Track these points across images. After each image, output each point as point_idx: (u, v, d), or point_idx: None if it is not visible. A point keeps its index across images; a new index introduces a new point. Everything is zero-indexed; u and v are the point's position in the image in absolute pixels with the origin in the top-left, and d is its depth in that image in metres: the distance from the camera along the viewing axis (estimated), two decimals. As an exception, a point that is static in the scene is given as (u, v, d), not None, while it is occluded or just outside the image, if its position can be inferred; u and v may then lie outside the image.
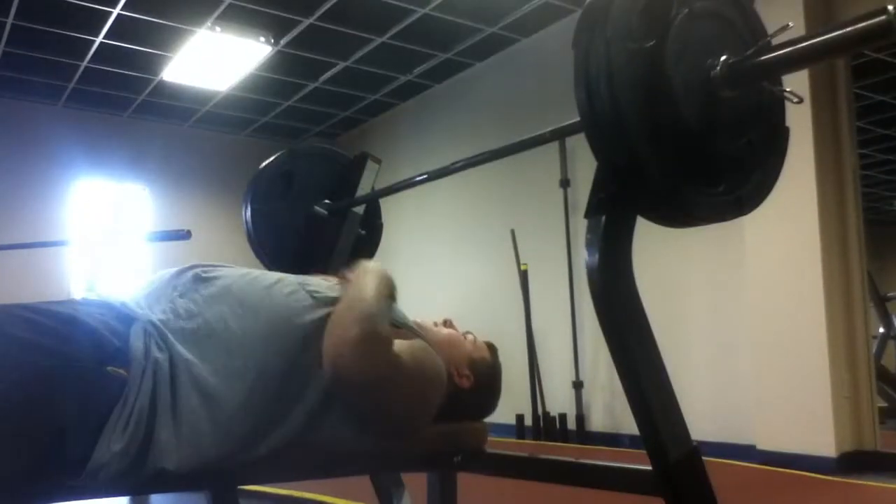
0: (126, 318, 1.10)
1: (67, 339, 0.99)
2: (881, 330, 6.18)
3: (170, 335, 1.09)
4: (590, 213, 1.04)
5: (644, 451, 1.04)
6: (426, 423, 1.25)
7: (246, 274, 1.23)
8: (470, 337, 1.43)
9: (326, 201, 2.03)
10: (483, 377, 1.38)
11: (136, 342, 1.05)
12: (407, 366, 1.16)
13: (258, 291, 1.19)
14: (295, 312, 1.17)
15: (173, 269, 1.23)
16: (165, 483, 1.05)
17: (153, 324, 1.09)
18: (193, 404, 1.06)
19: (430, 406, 1.24)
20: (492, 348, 1.46)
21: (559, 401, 5.18)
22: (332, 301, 1.20)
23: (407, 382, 1.17)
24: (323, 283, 1.26)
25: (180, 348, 1.08)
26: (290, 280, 1.24)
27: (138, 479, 1.02)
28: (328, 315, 1.17)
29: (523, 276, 5.25)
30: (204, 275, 1.19)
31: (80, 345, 1.00)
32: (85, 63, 5.85)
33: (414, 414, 1.21)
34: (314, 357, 1.14)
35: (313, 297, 1.20)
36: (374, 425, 1.18)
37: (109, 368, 1.00)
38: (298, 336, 1.15)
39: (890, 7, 0.83)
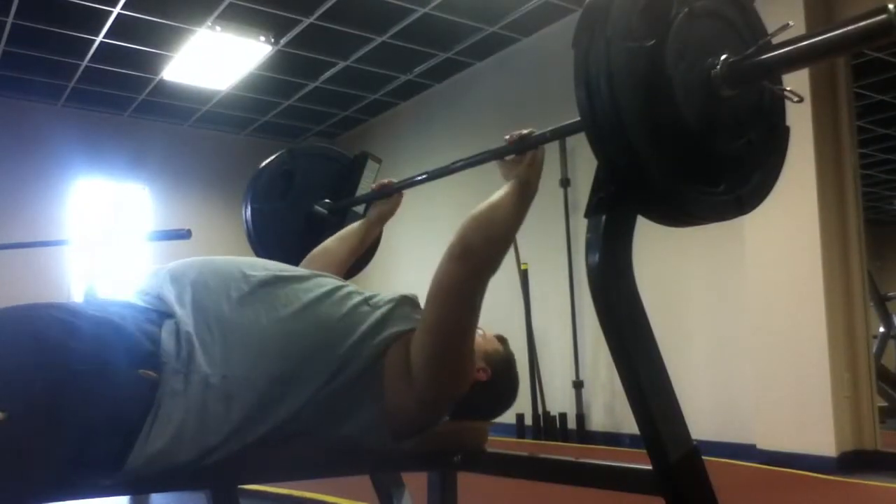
0: (158, 316, 1.09)
1: (100, 342, 1.00)
2: (881, 329, 6.18)
3: (207, 335, 1.08)
4: (590, 212, 1.04)
5: (644, 451, 1.04)
6: (451, 393, 1.22)
7: (306, 278, 1.24)
8: (479, 331, 1.40)
9: (326, 201, 2.03)
10: (499, 369, 1.36)
11: (169, 344, 1.05)
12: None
13: (318, 299, 1.20)
14: (350, 323, 1.18)
15: (213, 261, 1.21)
16: (167, 482, 1.05)
17: (188, 324, 1.08)
18: (228, 409, 1.06)
19: (464, 366, 1.23)
20: (503, 340, 1.45)
21: (559, 400, 5.18)
22: (388, 301, 1.24)
23: (467, 322, 1.19)
24: (382, 295, 1.29)
25: (217, 350, 1.08)
26: (349, 289, 1.26)
27: (164, 477, 1.03)
28: (380, 319, 1.20)
29: (523, 276, 5.25)
30: (257, 277, 1.19)
31: (114, 348, 1.00)
32: (85, 62, 5.85)
33: (449, 359, 1.19)
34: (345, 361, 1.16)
35: (369, 305, 1.23)
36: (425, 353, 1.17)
37: (141, 371, 1.01)
38: (346, 346, 1.16)
39: (890, 6, 0.83)
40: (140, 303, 1.13)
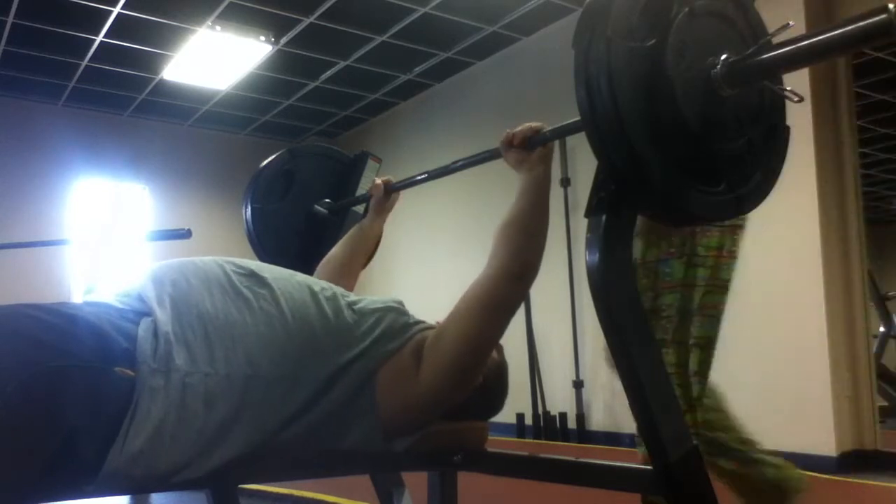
0: (136, 315, 1.08)
1: (74, 338, 0.98)
2: (881, 329, 6.18)
3: (189, 334, 1.07)
4: (590, 212, 1.04)
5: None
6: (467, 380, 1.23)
7: (290, 277, 1.23)
8: None
9: (327, 200, 2.03)
10: (491, 376, 1.35)
11: (145, 342, 1.03)
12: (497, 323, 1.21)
13: (304, 301, 1.19)
14: (336, 332, 1.18)
15: (194, 261, 1.20)
16: (166, 482, 1.05)
17: (167, 323, 1.06)
18: (209, 408, 1.04)
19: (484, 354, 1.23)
20: (498, 347, 1.44)
21: (559, 400, 5.18)
22: (375, 311, 1.23)
23: (496, 324, 1.21)
24: (368, 299, 1.28)
25: (199, 349, 1.06)
26: (334, 291, 1.25)
27: (149, 481, 1.02)
28: (367, 332, 1.20)
29: (523, 276, 5.24)
30: (240, 275, 1.18)
31: (87, 344, 0.98)
32: (85, 62, 5.85)
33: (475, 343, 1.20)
34: (342, 366, 1.15)
35: (353, 311, 1.22)
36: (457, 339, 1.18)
37: (117, 369, 0.99)
38: (332, 348, 1.15)
39: (890, 6, 0.83)
40: (118, 304, 1.11)
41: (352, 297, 1.27)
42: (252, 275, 1.19)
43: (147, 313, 1.08)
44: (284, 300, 1.17)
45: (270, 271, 1.23)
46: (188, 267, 1.18)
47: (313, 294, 1.21)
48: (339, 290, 1.27)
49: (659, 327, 1.61)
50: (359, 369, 1.16)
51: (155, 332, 1.05)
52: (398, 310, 1.28)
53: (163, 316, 1.07)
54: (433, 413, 1.23)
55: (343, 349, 1.16)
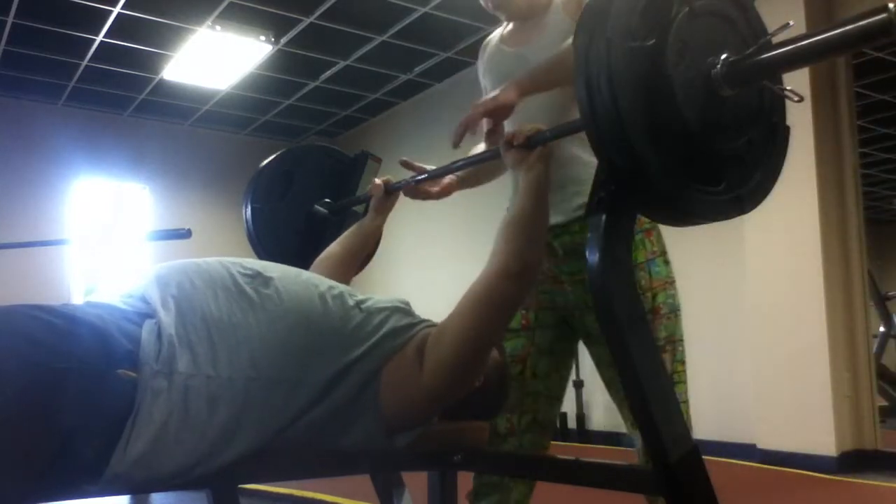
0: (139, 317, 1.07)
1: (76, 340, 0.97)
2: (881, 329, 6.19)
3: (193, 336, 1.06)
4: (590, 212, 1.04)
5: (644, 451, 1.04)
6: (467, 381, 1.23)
7: (296, 277, 1.23)
8: None
9: (327, 200, 2.03)
10: (492, 376, 1.35)
11: (148, 344, 1.03)
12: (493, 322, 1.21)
13: (310, 300, 1.19)
14: (343, 331, 1.18)
15: (198, 263, 1.19)
16: (168, 483, 1.05)
17: (170, 325, 1.06)
18: (212, 411, 1.04)
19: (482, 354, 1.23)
20: (500, 347, 1.44)
21: (559, 400, 5.18)
22: (381, 310, 1.24)
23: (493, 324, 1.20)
24: (375, 298, 1.28)
25: (202, 351, 1.06)
26: (341, 290, 1.25)
27: (152, 482, 1.02)
28: (374, 330, 1.20)
29: (523, 276, 5.23)
30: (245, 276, 1.18)
31: (89, 346, 0.98)
32: (85, 62, 5.85)
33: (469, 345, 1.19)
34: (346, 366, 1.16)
35: (360, 309, 1.22)
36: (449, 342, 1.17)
37: (120, 371, 0.99)
38: (337, 348, 1.16)
39: (890, 5, 0.83)
40: (122, 305, 1.10)
41: (359, 295, 1.27)
42: (258, 275, 1.18)
43: (150, 315, 1.08)
44: (290, 300, 1.16)
45: (276, 270, 1.22)
46: (192, 268, 1.17)
47: (320, 293, 1.21)
48: (346, 288, 1.27)
49: (662, 326, 1.64)
50: (363, 368, 1.16)
51: (158, 335, 1.04)
52: (404, 310, 1.28)
53: (166, 318, 1.07)
54: (435, 409, 1.23)
55: (348, 348, 1.16)
